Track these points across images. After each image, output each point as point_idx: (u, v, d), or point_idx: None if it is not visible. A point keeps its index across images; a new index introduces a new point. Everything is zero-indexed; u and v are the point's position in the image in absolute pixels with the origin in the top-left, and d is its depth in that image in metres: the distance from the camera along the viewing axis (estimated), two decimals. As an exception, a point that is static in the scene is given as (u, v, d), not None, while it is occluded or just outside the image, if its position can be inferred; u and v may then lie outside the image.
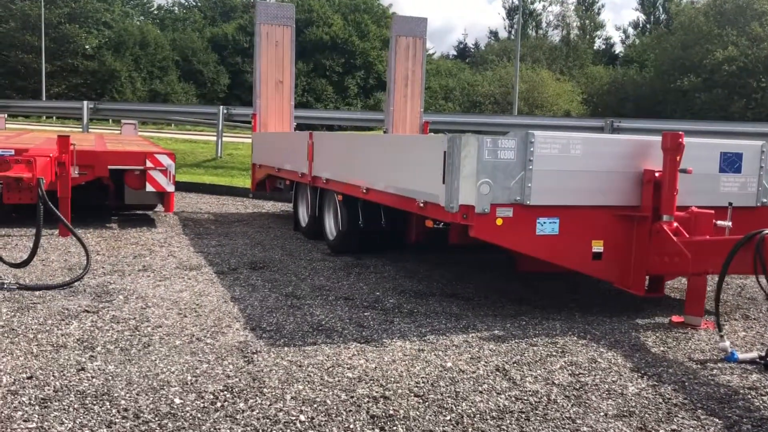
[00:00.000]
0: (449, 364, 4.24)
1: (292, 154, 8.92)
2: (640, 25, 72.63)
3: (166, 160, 9.02)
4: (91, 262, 6.21)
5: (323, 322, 5.04)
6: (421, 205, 5.34)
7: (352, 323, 5.05)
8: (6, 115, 16.19)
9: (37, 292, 5.62)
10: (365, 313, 5.33)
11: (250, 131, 31.96)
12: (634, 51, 54.32)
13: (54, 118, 36.49)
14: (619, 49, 73.50)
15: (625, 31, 75.37)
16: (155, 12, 62.29)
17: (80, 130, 20.55)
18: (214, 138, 23.57)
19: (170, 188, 9.09)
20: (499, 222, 4.79)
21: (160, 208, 10.57)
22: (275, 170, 9.66)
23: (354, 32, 57.99)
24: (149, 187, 8.97)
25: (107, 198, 9.75)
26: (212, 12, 61.32)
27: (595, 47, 69.11)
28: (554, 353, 4.52)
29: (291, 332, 4.79)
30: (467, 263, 7.49)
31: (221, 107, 17.92)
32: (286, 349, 4.44)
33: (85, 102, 19.57)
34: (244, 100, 52.10)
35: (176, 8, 63.51)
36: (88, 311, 5.10)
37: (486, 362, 4.30)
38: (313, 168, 8.00)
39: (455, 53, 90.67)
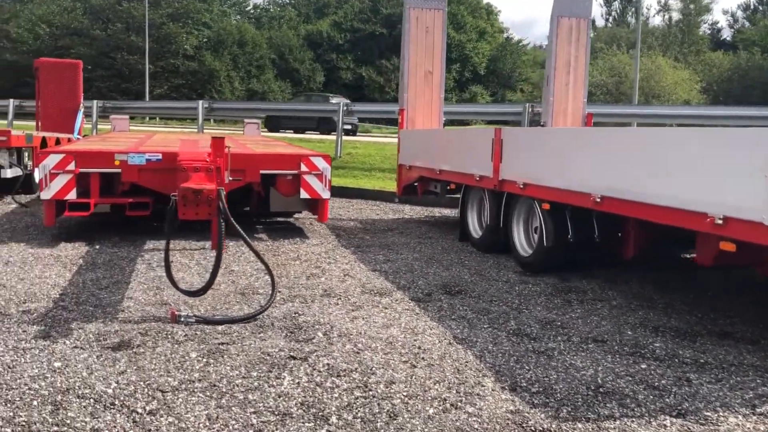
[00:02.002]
0: (841, 462, 2.96)
1: (464, 154, 7.77)
2: (752, 7, 68.04)
3: (321, 164, 8.05)
4: (277, 290, 5.24)
5: (599, 381, 3.84)
6: (719, 221, 4.05)
7: (637, 382, 3.83)
8: (128, 117, 15.81)
9: (219, 328, 4.68)
10: (641, 365, 4.10)
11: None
12: (756, 34, 50.35)
13: (157, 118, 36.96)
14: (726, 34, 69.21)
15: (733, 15, 70.57)
16: (251, 11, 62.85)
17: (195, 130, 20.17)
18: (327, 136, 22.87)
19: (326, 195, 8.11)
20: None
21: (300, 214, 9.69)
22: (435, 172, 8.53)
23: (449, 24, 56.45)
24: (303, 194, 8.02)
25: (248, 205, 8.89)
26: (306, 9, 61.19)
27: (699, 32, 65.18)
28: None
29: (568, 396, 3.61)
30: (701, 285, 6.14)
31: (341, 103, 17.02)
32: (581, 425, 3.27)
33: (200, 102, 19.11)
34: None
35: (271, 7, 63.83)
36: (294, 357, 4.09)
37: None
38: (501, 170, 6.82)
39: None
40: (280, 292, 5.64)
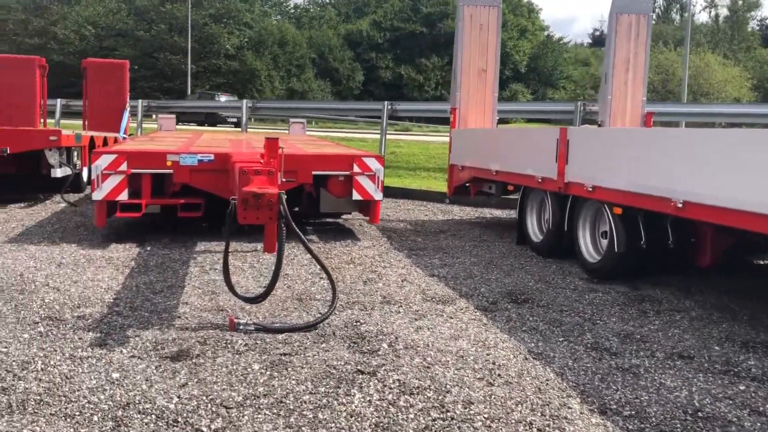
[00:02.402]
0: None
1: (524, 154, 7.46)
2: (804, 2, 65.99)
3: (374, 165, 7.82)
4: (338, 298, 5.01)
5: (696, 404, 3.52)
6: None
7: (738, 406, 3.50)
8: (175, 116, 15.81)
9: (279, 337, 4.47)
10: (739, 387, 3.76)
11: (393, 127, 30.12)
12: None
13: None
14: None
15: (784, 10, 68.54)
16: (292, 11, 63.04)
17: (239, 130, 20.16)
18: (369, 135, 22.68)
19: (378, 196, 7.88)
20: None
21: (348, 215, 9.46)
22: (491, 173, 8.24)
23: (490, 22, 55.80)
24: (356, 195, 7.81)
25: (298, 206, 8.68)
26: (346, 8, 61.18)
27: (748, 29, 63.44)
28: None
29: (664, 421, 3.31)
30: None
31: (385, 103, 16.77)
32: (686, 456, 2.97)
33: (244, 101, 19.08)
34: (377, 96, 51.50)
35: (311, 7, 63.96)
36: (362, 372, 3.86)
37: None
38: (566, 172, 6.50)
39: (590, 41, 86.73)
40: (338, 297, 5.41)
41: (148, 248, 7.09)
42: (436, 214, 10.58)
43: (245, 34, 50.11)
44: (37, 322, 4.64)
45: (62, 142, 9.99)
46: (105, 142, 12.90)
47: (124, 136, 15.76)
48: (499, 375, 3.87)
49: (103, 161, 7.20)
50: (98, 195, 7.20)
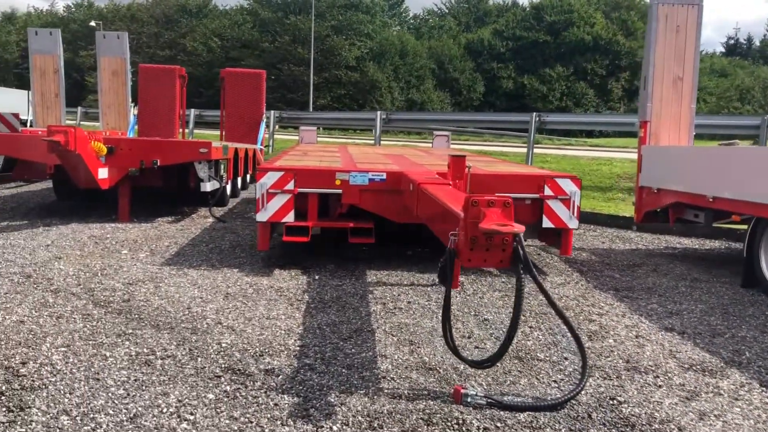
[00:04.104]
0: None
1: (759, 178, 6.13)
2: None
3: (569, 187, 6.73)
4: (588, 370, 3.94)
5: None
6: None
7: None
8: (316, 128, 15.30)
9: (521, 417, 3.46)
10: None
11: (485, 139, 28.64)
12: None
13: (321, 128, 37.28)
14: None
15: None
16: (411, 21, 62.70)
17: (372, 142, 19.54)
18: (506, 148, 21.53)
19: (573, 224, 6.77)
20: None
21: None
22: (705, 199, 6.93)
23: (618, 31, 53.23)
24: (546, 222, 6.73)
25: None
26: (466, 18, 60.16)
27: None
28: None
29: None
30: None
31: (534, 114, 15.61)
32: None
33: (378, 113, 18.45)
34: (498, 107, 50.18)
35: (430, 17, 63.37)
36: (671, 492, 2.78)
37: None
38: (840, 205, 5.15)
39: (723, 50, 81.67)
40: (565, 359, 4.36)
41: (316, 277, 6.30)
42: (614, 241, 9.30)
43: (366, 45, 50.09)
44: (219, 376, 3.86)
45: (212, 154, 9.50)
46: (246, 154, 12.48)
47: (261, 147, 15.43)
48: None
49: (269, 179, 6.49)
50: (263, 216, 6.49)
